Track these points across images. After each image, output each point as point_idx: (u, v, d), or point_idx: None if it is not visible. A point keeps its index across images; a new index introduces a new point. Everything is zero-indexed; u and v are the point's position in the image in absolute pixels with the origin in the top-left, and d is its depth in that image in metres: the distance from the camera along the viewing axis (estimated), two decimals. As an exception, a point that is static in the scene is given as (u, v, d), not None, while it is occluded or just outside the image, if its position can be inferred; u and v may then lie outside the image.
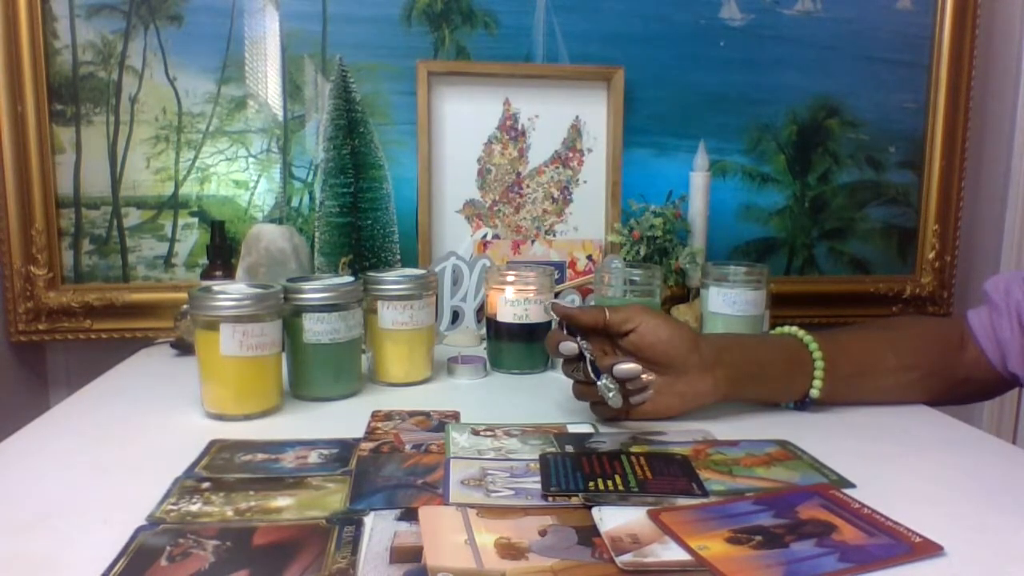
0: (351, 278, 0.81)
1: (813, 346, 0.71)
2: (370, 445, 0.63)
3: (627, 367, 0.64)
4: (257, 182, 1.12)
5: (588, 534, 0.48)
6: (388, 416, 0.72)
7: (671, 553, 0.46)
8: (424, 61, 1.09)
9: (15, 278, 1.06)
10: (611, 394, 0.63)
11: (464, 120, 1.12)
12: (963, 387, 0.77)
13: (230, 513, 0.51)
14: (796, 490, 0.55)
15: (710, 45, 1.17)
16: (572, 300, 1.04)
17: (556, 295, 0.97)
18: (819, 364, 0.71)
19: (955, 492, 0.56)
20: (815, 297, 1.23)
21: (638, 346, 0.68)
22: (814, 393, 0.71)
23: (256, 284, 0.75)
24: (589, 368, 0.65)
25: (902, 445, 0.66)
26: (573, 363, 0.68)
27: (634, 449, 0.62)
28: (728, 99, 1.18)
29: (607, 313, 0.69)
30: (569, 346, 0.66)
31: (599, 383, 0.64)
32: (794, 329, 0.74)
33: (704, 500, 0.54)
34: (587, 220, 1.15)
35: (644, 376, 0.65)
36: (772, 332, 0.77)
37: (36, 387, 1.15)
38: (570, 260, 1.13)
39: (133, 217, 1.10)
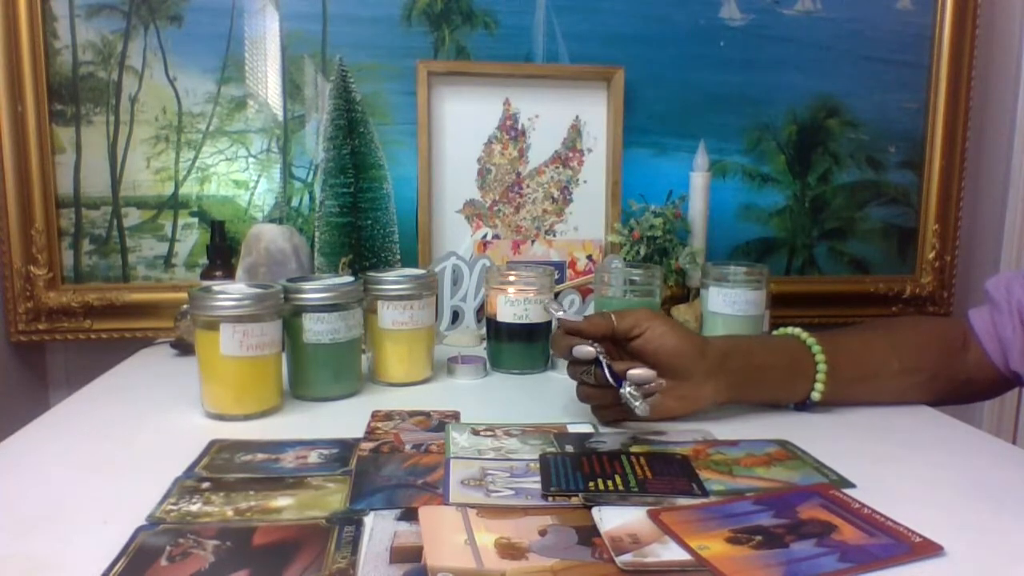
0: (351, 278, 0.81)
1: (816, 348, 0.71)
2: (370, 445, 0.63)
3: (641, 372, 0.64)
4: (257, 182, 1.12)
5: (588, 534, 0.48)
6: (388, 416, 0.72)
7: (671, 553, 0.46)
8: (424, 61, 1.09)
9: (15, 278, 1.06)
10: (638, 403, 0.61)
11: (464, 120, 1.12)
12: (965, 388, 0.77)
13: (230, 513, 0.51)
14: (796, 490, 0.55)
15: (710, 45, 1.17)
16: (572, 300, 1.04)
17: (556, 295, 0.97)
18: (821, 368, 0.71)
19: (955, 492, 0.56)
20: (815, 297, 1.23)
21: (643, 351, 0.67)
22: (815, 396, 0.72)
23: (256, 284, 0.75)
24: (607, 372, 0.64)
25: (902, 445, 0.66)
26: (582, 366, 0.66)
27: (634, 449, 0.62)
28: (728, 99, 1.18)
29: (614, 320, 0.68)
30: (585, 350, 0.65)
31: (624, 391, 0.62)
32: (797, 331, 0.74)
33: (704, 500, 0.54)
34: (587, 220, 1.15)
35: (656, 383, 0.64)
36: (775, 333, 0.77)
37: (36, 387, 1.15)
38: (570, 260, 1.13)
39: (133, 217, 1.10)
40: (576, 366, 0.67)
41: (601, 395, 0.67)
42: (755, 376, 0.71)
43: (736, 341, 0.74)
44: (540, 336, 0.89)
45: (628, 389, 0.62)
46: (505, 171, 1.14)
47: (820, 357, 0.71)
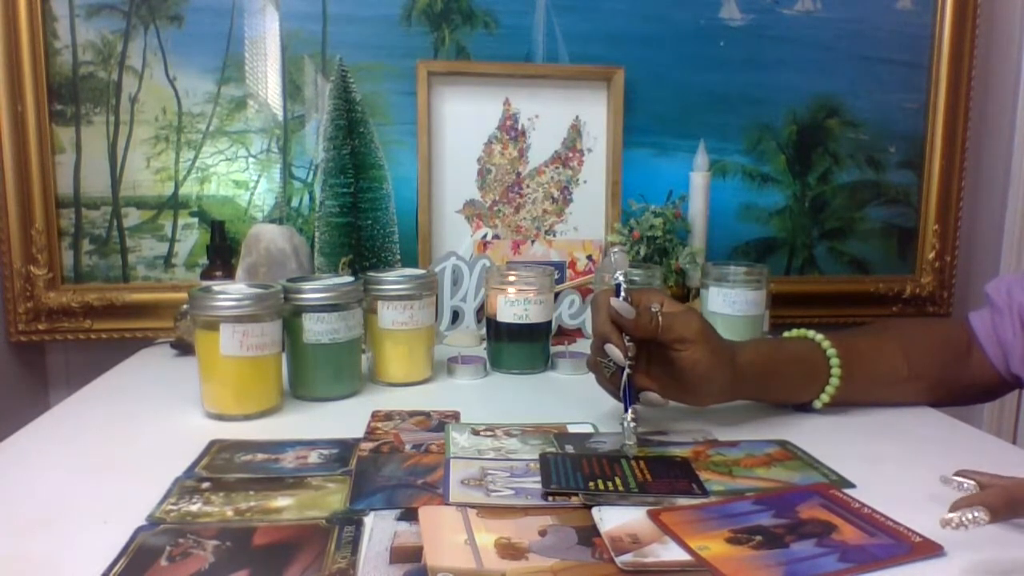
0: (351, 278, 0.81)
1: (835, 362, 0.70)
2: (370, 445, 0.63)
3: (654, 398, 0.64)
4: (257, 182, 1.12)
5: (588, 534, 0.48)
6: (388, 416, 0.72)
7: (671, 553, 0.46)
8: (424, 61, 1.09)
9: (15, 278, 1.06)
10: (629, 442, 0.61)
11: (464, 120, 1.12)
12: (967, 391, 0.77)
13: (230, 513, 0.51)
14: (796, 490, 0.55)
15: (710, 45, 1.17)
16: (572, 301, 1.04)
17: (556, 296, 0.97)
18: (833, 383, 0.71)
19: (955, 492, 0.56)
20: (815, 297, 1.23)
21: (674, 361, 0.65)
22: (816, 405, 0.72)
23: (256, 284, 0.75)
24: (623, 388, 0.63)
25: (902, 445, 0.66)
26: (607, 358, 0.64)
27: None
28: (728, 99, 1.18)
29: (660, 327, 0.64)
30: (617, 356, 0.62)
31: (624, 422, 0.61)
32: (820, 338, 0.72)
33: (704, 500, 0.54)
34: (587, 220, 1.15)
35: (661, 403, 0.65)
36: (794, 333, 0.75)
37: (36, 387, 1.14)
38: (570, 260, 1.13)
39: (133, 217, 1.10)
40: (601, 352, 0.64)
41: (608, 385, 0.66)
42: (766, 387, 0.71)
43: (763, 360, 0.70)
44: (540, 336, 0.89)
45: (629, 424, 0.61)
46: (505, 171, 1.14)
47: (836, 372, 0.70)
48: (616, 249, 0.68)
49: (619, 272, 0.66)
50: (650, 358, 0.66)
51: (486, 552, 0.46)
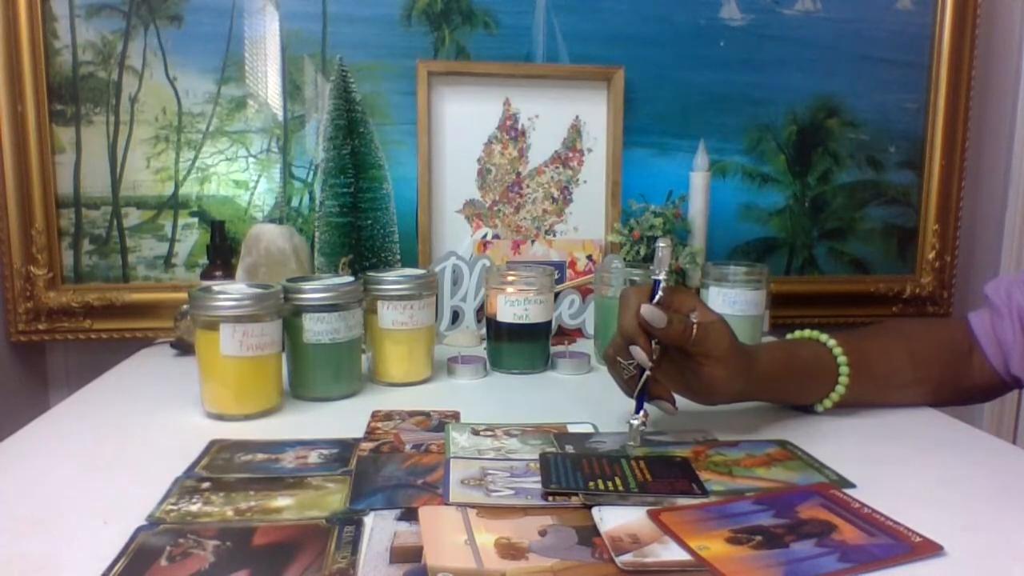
0: (351, 278, 0.81)
1: (844, 370, 0.70)
2: (370, 445, 0.63)
3: (667, 408, 0.64)
4: (257, 182, 1.12)
5: (588, 534, 0.48)
6: (388, 416, 0.72)
7: (671, 553, 0.46)
8: (424, 61, 1.09)
9: (15, 278, 1.06)
10: (632, 443, 0.61)
11: (464, 120, 1.12)
12: (968, 392, 0.77)
13: (230, 513, 0.51)
14: (796, 490, 0.55)
15: (710, 45, 1.17)
16: (572, 301, 1.04)
17: (556, 295, 0.97)
18: (839, 390, 0.71)
19: (955, 492, 0.56)
20: (815, 297, 1.24)
21: (691, 367, 0.64)
22: (819, 409, 0.72)
23: (256, 284, 0.75)
24: (640, 387, 0.62)
25: (902, 445, 0.66)
26: (628, 356, 0.62)
27: (634, 452, 0.62)
28: (728, 99, 1.18)
29: (692, 337, 0.61)
30: (643, 358, 0.61)
31: (633, 423, 0.61)
32: (832, 344, 0.71)
33: (704, 500, 0.54)
34: (587, 220, 1.15)
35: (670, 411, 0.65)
36: (805, 335, 0.74)
37: (36, 387, 1.15)
38: (570, 260, 1.13)
39: (133, 217, 1.10)
40: (623, 352, 0.63)
41: (624, 384, 0.65)
42: (777, 391, 0.71)
43: (777, 367, 0.69)
44: (540, 336, 0.89)
45: (638, 427, 0.61)
46: (505, 171, 1.14)
47: (844, 381, 0.70)
48: (663, 244, 0.63)
49: (662, 270, 0.62)
50: (666, 355, 0.64)
51: (486, 552, 0.46)
